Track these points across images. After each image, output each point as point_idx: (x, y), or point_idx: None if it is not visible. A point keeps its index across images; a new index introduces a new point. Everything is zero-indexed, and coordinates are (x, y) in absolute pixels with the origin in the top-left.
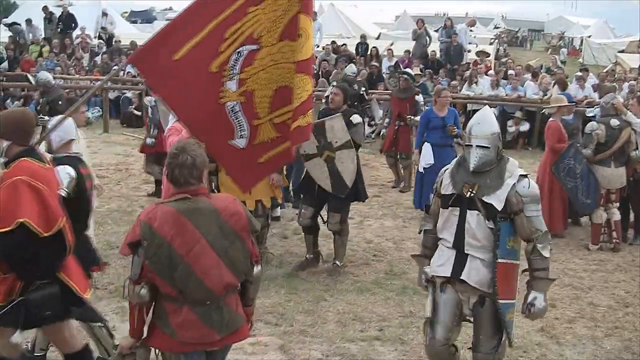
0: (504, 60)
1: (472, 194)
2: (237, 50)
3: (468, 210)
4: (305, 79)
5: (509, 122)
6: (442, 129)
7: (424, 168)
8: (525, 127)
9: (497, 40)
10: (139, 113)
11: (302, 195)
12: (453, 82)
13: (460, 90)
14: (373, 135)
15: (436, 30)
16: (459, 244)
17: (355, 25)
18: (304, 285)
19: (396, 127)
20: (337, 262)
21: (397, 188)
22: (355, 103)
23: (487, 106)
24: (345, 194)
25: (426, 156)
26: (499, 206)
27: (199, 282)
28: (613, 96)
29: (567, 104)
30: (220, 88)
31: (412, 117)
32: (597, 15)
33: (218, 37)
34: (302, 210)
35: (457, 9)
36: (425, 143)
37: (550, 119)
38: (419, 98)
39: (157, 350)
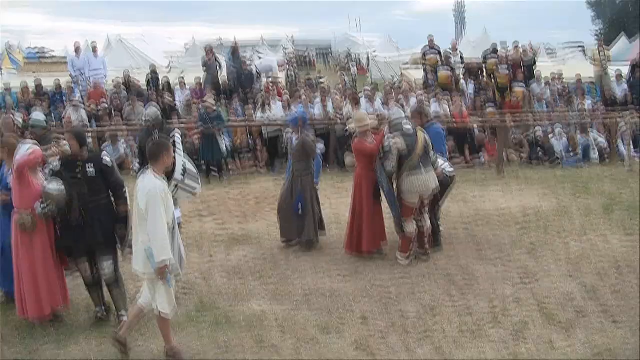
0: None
1: None
2: None
3: None
4: None
5: None
6: None
7: None
8: (320, 146)
9: (288, 63)
10: None
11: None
12: (248, 111)
13: (254, 115)
14: None
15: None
16: None
17: (144, 57)
18: (114, 329)
19: None
20: (123, 314)
21: None
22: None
23: None
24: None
25: None
26: None
27: None
28: (397, 111)
29: (369, 123)
30: None
31: None
32: (380, 31)
33: None
34: (80, 265)
35: (245, 34)
36: None
37: (357, 137)
38: None
39: None
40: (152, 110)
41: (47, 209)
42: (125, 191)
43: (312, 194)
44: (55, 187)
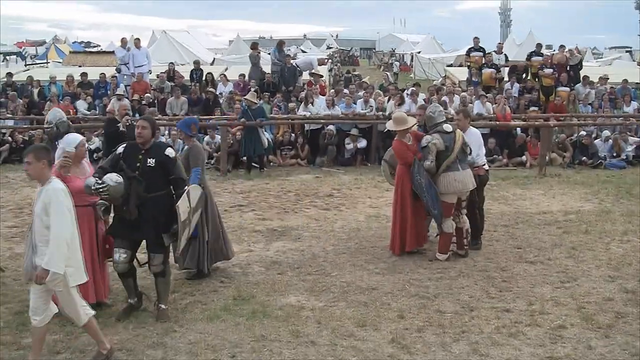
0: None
1: None
2: None
3: None
4: None
5: (346, 140)
6: None
7: None
8: (362, 143)
9: (330, 60)
10: None
11: (114, 239)
12: (290, 105)
13: (297, 111)
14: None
15: (269, 53)
16: None
17: (188, 51)
18: (152, 318)
19: None
20: (162, 306)
21: None
22: None
23: None
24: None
25: None
26: None
27: None
28: (437, 105)
29: (410, 126)
30: None
31: None
32: (425, 31)
33: None
34: (117, 256)
35: (289, 31)
36: None
37: (396, 137)
38: None
39: None
40: (57, 114)
41: (102, 189)
42: (186, 187)
43: (204, 213)
44: (115, 178)
